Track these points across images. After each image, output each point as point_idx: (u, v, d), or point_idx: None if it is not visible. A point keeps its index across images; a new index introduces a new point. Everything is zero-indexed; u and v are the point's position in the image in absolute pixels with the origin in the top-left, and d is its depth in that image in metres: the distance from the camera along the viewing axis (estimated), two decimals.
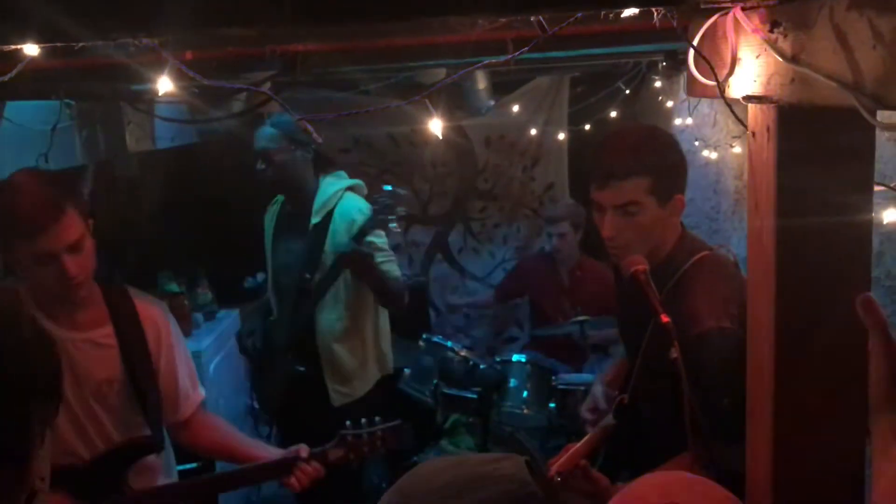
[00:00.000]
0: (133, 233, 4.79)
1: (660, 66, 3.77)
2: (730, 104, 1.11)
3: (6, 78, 1.04)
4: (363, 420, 2.28)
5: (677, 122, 3.97)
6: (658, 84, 4.11)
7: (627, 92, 4.34)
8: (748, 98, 1.03)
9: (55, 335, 1.94)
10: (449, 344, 4.02)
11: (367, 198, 3.14)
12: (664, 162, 1.96)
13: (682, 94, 3.87)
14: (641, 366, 2.06)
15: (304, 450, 2.15)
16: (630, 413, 2.11)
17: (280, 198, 3.37)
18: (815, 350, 1.12)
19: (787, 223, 0.99)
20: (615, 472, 2.07)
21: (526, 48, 1.15)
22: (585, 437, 2.17)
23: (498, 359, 4.00)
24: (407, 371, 4.00)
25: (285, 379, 3.16)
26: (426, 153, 5.19)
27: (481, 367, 3.93)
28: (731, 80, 1.08)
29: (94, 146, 3.55)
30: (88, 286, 1.99)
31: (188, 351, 2.31)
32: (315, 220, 3.09)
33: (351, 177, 5.13)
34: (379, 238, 3.05)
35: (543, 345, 4.27)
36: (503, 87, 4.93)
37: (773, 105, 0.97)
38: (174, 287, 4.81)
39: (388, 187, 3.03)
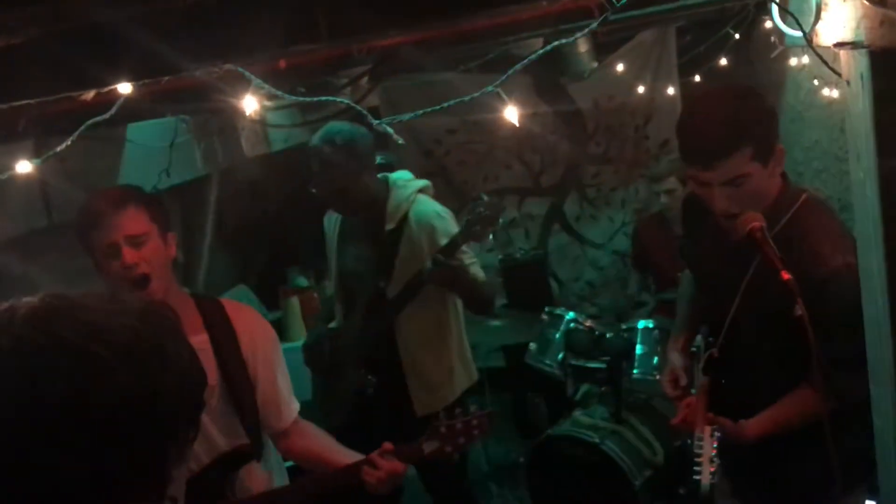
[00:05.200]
0: (260, 233, 5.01)
1: (769, 4, 3.57)
2: (819, 53, 1.04)
3: (105, 117, 1.11)
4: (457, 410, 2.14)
5: (793, 62, 3.76)
6: (769, 24, 3.88)
7: (737, 37, 4.13)
8: (839, 45, 0.97)
9: None
10: (572, 315, 3.98)
11: (449, 204, 3.00)
12: (759, 123, 1.89)
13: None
14: (736, 319, 2.07)
15: (387, 446, 2.06)
16: (720, 366, 2.15)
17: None
18: None
19: (890, 171, 0.93)
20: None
21: (594, 24, 1.12)
22: (699, 390, 2.19)
23: (624, 326, 3.93)
24: (532, 346, 4.00)
25: (358, 390, 2.99)
26: (534, 124, 5.13)
27: (608, 335, 3.88)
28: (820, 27, 1.02)
29: (213, 156, 3.73)
30: (157, 290, 2.02)
31: (285, 362, 2.29)
32: (390, 225, 2.92)
33: (459, 157, 5.21)
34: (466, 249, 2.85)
35: (671, 308, 4.16)
36: (605, 47, 4.79)
37: (864, 51, 0.90)
38: (303, 281, 5.03)
39: (484, 196, 2.77)
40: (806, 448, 1.87)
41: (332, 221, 3.19)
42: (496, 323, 4.01)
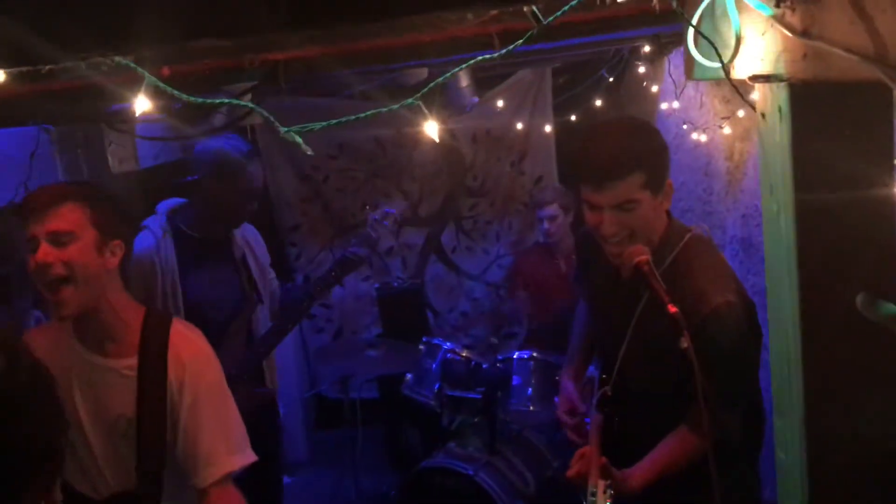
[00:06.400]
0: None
1: (642, 51, 3.74)
2: (735, 85, 1.06)
3: None
4: None
5: (663, 106, 3.94)
6: (642, 70, 4.08)
7: (611, 80, 4.30)
8: (755, 77, 0.99)
9: (82, 358, 1.89)
10: (449, 345, 3.97)
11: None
12: (653, 152, 1.95)
13: (667, 78, 3.83)
14: (628, 355, 2.09)
15: None
16: (613, 403, 2.16)
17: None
18: (839, 324, 1.09)
19: (807, 204, 0.95)
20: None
21: (520, 41, 1.11)
22: (592, 437, 2.17)
23: (500, 357, 3.95)
24: (409, 376, 3.96)
25: (255, 408, 2.74)
26: (413, 155, 5.14)
27: (484, 366, 3.89)
28: (735, 60, 1.04)
29: (76, 170, 3.48)
30: (74, 299, 1.82)
31: (233, 408, 1.99)
32: (240, 244, 2.95)
33: (338, 183, 5.15)
34: None
35: (545, 339, 4.22)
36: (486, 82, 4.88)
37: (783, 84, 0.93)
38: None
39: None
40: (692, 481, 1.89)
41: (161, 247, 2.79)
42: (371, 353, 3.94)
